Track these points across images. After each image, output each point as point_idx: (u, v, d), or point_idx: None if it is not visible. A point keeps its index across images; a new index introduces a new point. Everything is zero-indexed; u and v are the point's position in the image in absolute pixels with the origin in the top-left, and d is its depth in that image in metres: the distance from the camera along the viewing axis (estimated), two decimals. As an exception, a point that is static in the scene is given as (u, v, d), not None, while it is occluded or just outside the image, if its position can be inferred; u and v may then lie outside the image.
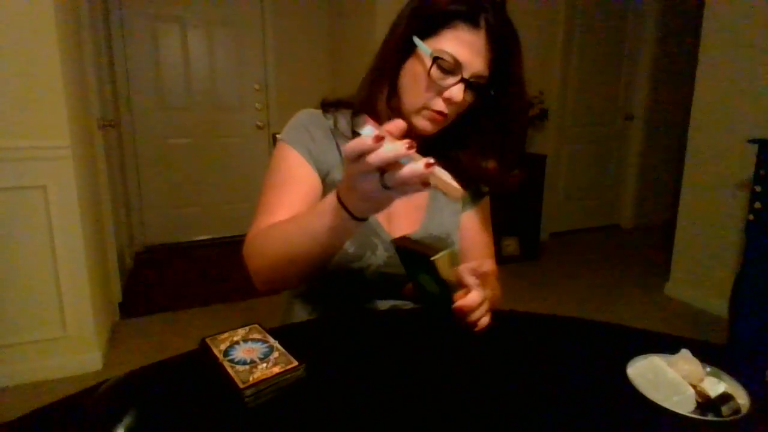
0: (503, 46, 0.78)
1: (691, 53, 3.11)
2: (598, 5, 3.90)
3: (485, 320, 0.71)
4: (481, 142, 0.88)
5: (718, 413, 0.56)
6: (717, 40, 2.61)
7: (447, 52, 0.76)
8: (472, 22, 0.76)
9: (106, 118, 2.66)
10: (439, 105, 0.79)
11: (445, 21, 0.76)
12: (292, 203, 0.83)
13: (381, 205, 0.61)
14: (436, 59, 0.76)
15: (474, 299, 0.69)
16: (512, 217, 3.41)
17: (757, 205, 2.13)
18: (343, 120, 0.91)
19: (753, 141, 2.22)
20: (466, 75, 0.77)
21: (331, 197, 0.64)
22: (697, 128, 2.76)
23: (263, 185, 0.87)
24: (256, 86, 3.81)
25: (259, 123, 3.86)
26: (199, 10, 3.57)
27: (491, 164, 0.88)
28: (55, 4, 1.84)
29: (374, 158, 0.53)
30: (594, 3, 3.87)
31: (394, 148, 0.53)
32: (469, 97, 0.81)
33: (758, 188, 2.12)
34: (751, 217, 2.16)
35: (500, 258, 3.35)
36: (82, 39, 2.31)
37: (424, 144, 0.90)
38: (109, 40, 3.19)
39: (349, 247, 0.86)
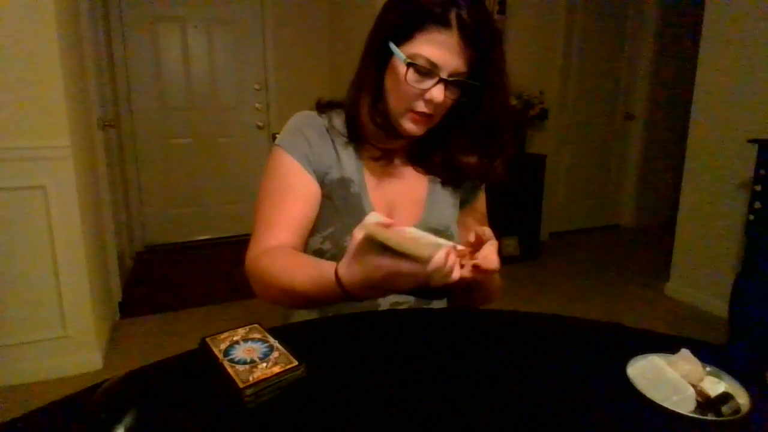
0: (479, 40, 0.78)
1: (691, 53, 3.11)
2: (598, 5, 3.90)
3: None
4: (469, 135, 0.89)
5: (718, 413, 0.56)
6: (717, 40, 2.61)
7: (421, 56, 0.77)
8: (443, 22, 0.76)
9: (106, 118, 2.66)
10: (422, 107, 0.81)
11: (417, 25, 0.77)
12: (291, 217, 0.85)
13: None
14: (410, 65, 0.77)
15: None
16: (512, 217, 3.41)
17: (757, 205, 2.13)
18: (338, 119, 0.92)
19: (753, 141, 2.22)
20: (444, 75, 0.78)
21: (331, 280, 0.69)
22: (697, 128, 2.76)
23: (260, 193, 0.88)
24: (256, 86, 3.81)
25: (259, 123, 3.86)
26: (199, 10, 3.57)
27: (476, 157, 0.89)
28: (56, 4, 1.84)
29: (451, 273, 0.62)
30: (594, 3, 3.88)
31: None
32: (453, 95, 0.82)
33: (758, 188, 2.13)
34: (751, 217, 2.16)
35: (500, 258, 3.38)
36: (82, 39, 2.31)
37: (414, 142, 0.92)
38: (109, 40, 3.19)
39: (348, 244, 0.87)
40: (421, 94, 0.79)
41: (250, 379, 0.57)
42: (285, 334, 0.68)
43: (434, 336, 0.76)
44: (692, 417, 0.55)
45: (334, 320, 0.83)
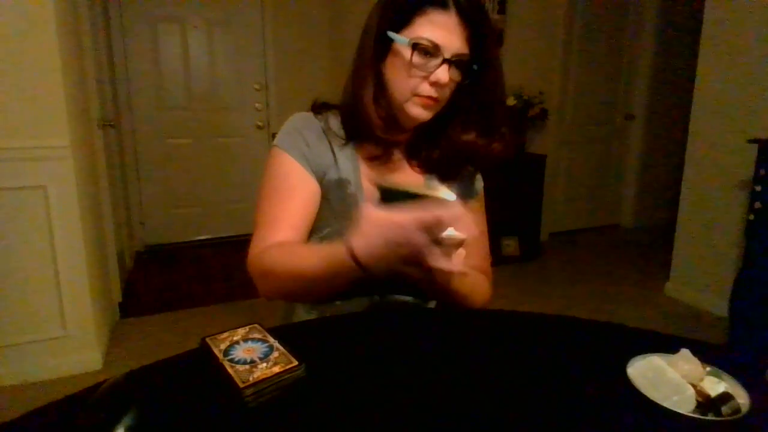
0: (475, 21, 0.80)
1: (691, 53, 3.11)
2: (598, 5, 3.90)
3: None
4: (466, 118, 0.90)
5: (718, 413, 0.56)
6: (717, 40, 2.61)
7: (424, 38, 0.78)
8: (441, 4, 0.78)
9: (106, 118, 2.66)
10: (428, 90, 0.81)
11: (415, 9, 0.79)
12: (293, 214, 0.85)
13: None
14: (415, 46, 0.78)
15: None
16: (512, 217, 3.42)
17: (757, 205, 2.13)
18: (334, 120, 0.92)
19: (753, 141, 2.22)
20: (447, 55, 0.79)
21: (344, 259, 0.67)
22: (697, 128, 2.76)
23: (261, 193, 0.88)
24: (256, 86, 3.80)
25: (259, 123, 3.86)
26: (199, 10, 3.57)
27: (473, 136, 0.90)
28: (55, 4, 1.84)
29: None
30: (594, 3, 3.88)
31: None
32: (456, 76, 0.83)
33: (758, 188, 2.12)
34: (751, 217, 2.16)
35: (500, 258, 3.39)
36: (82, 39, 2.31)
37: (417, 129, 0.91)
38: (109, 40, 3.19)
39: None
40: (426, 77, 0.80)
41: (250, 379, 0.57)
42: (285, 334, 0.68)
43: (434, 336, 0.76)
44: (692, 417, 0.55)
45: (334, 320, 0.83)
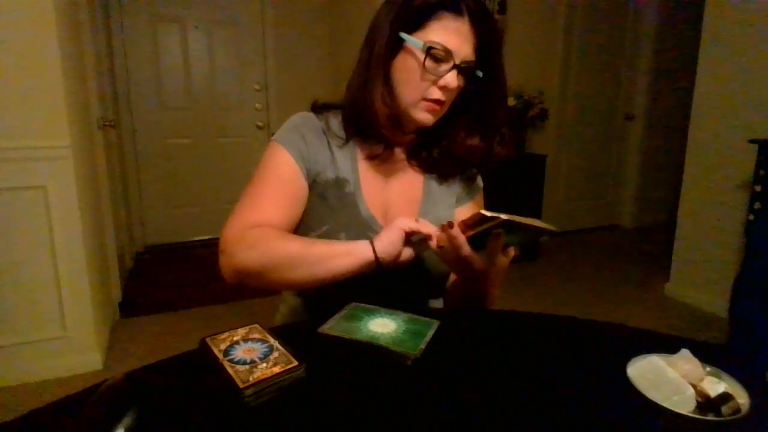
0: (485, 30, 0.82)
1: (691, 53, 3.11)
2: (598, 6, 3.90)
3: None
4: (468, 123, 0.91)
5: (718, 413, 0.56)
6: (717, 39, 2.61)
7: (437, 42, 0.79)
8: (456, 11, 0.80)
9: (106, 118, 2.66)
10: (436, 93, 0.82)
11: (429, 13, 0.80)
12: (277, 201, 0.86)
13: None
14: (429, 50, 0.79)
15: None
16: (512, 217, 3.41)
17: (757, 205, 2.13)
18: (334, 120, 0.93)
19: (753, 141, 2.22)
20: (457, 61, 0.80)
21: (363, 249, 0.77)
22: (697, 128, 2.76)
23: (250, 179, 0.90)
24: (256, 86, 3.81)
25: (259, 123, 3.86)
26: (199, 10, 3.57)
27: (477, 140, 0.91)
28: (56, 4, 1.84)
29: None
30: (594, 4, 3.88)
31: None
32: (462, 82, 0.84)
33: (758, 188, 2.13)
34: (751, 217, 2.17)
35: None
36: (82, 39, 2.31)
37: (418, 133, 0.92)
38: (109, 40, 3.19)
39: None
40: (435, 81, 0.81)
41: (250, 379, 0.58)
42: (285, 334, 0.68)
43: (433, 336, 0.76)
44: (692, 417, 0.55)
45: (334, 320, 0.83)
